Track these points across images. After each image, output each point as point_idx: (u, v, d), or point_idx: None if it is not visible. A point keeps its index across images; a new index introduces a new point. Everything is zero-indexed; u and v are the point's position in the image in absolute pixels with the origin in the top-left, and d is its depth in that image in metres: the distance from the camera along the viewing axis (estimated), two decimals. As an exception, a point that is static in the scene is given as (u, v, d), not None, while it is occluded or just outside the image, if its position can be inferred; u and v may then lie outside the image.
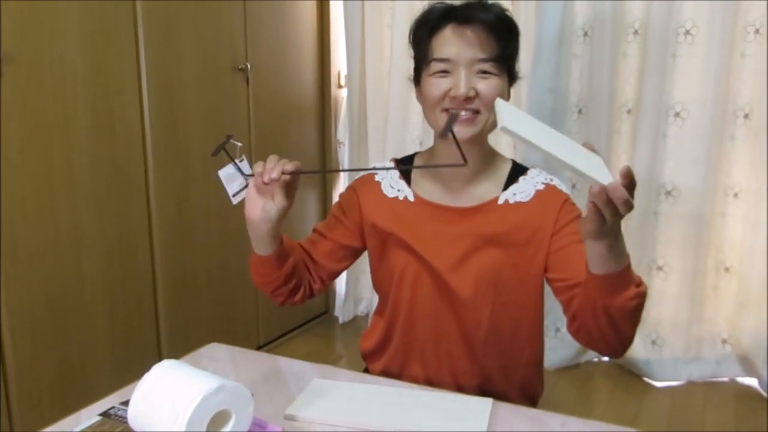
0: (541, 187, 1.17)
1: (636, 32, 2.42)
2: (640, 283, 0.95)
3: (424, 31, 1.13)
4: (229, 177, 1.09)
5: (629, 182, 0.81)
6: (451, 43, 1.09)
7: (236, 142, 1.08)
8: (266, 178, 1.00)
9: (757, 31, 2.28)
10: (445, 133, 1.05)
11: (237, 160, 1.08)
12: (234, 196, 1.10)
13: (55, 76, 1.80)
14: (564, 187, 1.19)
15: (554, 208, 1.14)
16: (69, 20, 1.82)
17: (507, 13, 1.13)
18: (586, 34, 2.48)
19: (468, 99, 1.08)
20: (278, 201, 1.05)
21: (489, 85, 1.09)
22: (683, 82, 2.37)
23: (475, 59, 1.08)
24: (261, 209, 1.05)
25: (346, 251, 1.26)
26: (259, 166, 1.03)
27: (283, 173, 1.01)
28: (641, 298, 0.95)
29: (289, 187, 1.05)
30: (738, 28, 2.30)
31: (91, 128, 1.92)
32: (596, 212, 0.83)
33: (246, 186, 1.07)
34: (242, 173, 1.06)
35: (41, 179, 1.80)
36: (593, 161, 0.86)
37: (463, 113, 1.09)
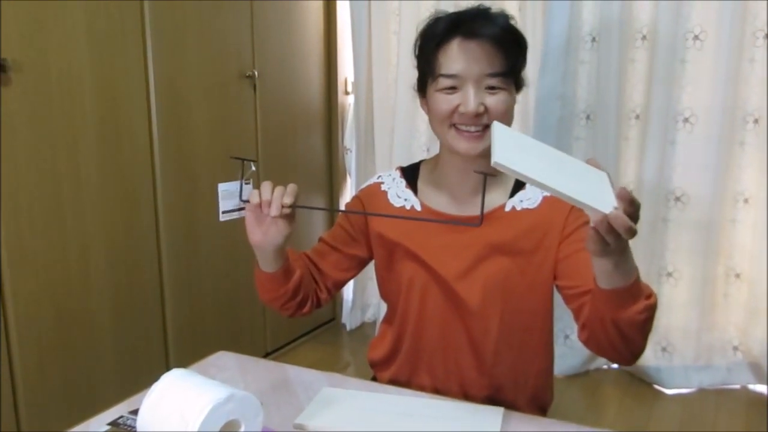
0: (548, 192, 1.16)
1: (644, 38, 2.41)
2: (650, 295, 0.93)
3: (430, 45, 1.11)
4: (228, 193, 1.07)
5: (629, 206, 0.79)
6: (458, 58, 1.08)
7: (253, 166, 1.06)
8: (265, 213, 1.00)
9: (766, 36, 2.27)
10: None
11: (244, 181, 1.05)
12: (224, 213, 1.07)
13: (62, 85, 1.81)
14: None
15: (562, 215, 1.13)
16: (76, 29, 1.83)
17: (513, 23, 1.12)
18: (593, 40, 2.47)
19: (477, 115, 1.08)
20: (281, 228, 1.03)
21: (498, 101, 1.08)
22: (692, 87, 2.36)
23: (483, 74, 1.07)
24: (263, 235, 1.04)
25: (353, 261, 1.26)
26: (255, 196, 1.01)
27: (282, 207, 0.98)
28: (651, 310, 0.93)
29: (291, 212, 1.02)
30: (746, 33, 2.29)
31: (98, 137, 1.92)
32: (599, 237, 0.81)
33: (240, 209, 1.05)
34: (241, 198, 1.04)
35: (48, 189, 1.80)
36: (597, 181, 0.84)
37: (472, 129, 1.09)
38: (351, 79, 3.00)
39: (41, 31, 1.74)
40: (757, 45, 2.29)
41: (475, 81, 1.07)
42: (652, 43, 2.39)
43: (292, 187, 1.01)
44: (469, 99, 1.07)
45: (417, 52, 1.16)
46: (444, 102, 1.10)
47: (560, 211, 1.14)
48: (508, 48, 1.09)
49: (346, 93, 3.07)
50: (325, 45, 2.93)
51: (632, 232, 0.79)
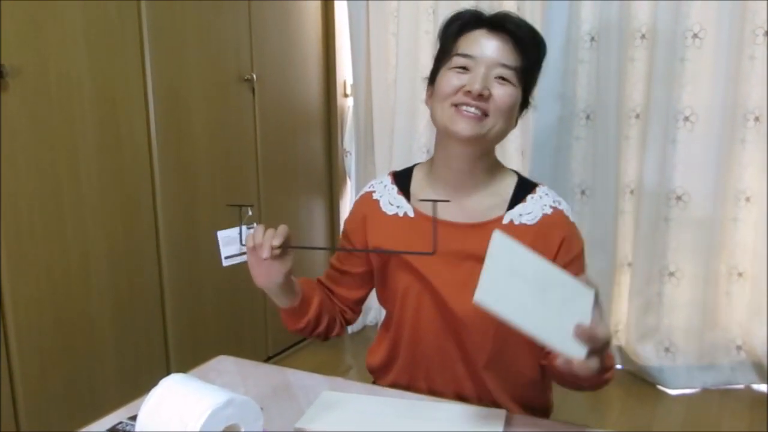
0: (549, 211, 1.14)
1: (643, 36, 2.40)
2: (610, 367, 1.02)
3: (453, 28, 1.13)
4: (228, 240, 1.10)
5: (594, 344, 0.86)
6: (478, 43, 1.09)
7: (249, 210, 1.09)
8: (260, 255, 1.03)
9: (766, 34, 2.26)
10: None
11: (246, 226, 1.09)
12: (226, 258, 1.11)
13: (61, 89, 1.80)
14: (570, 213, 1.16)
15: (554, 244, 1.12)
16: (74, 33, 1.82)
17: (538, 31, 1.13)
18: (592, 39, 2.46)
19: (480, 96, 1.06)
20: (278, 268, 1.06)
21: (504, 92, 1.08)
22: (692, 86, 2.35)
23: (498, 63, 1.08)
24: (266, 276, 1.07)
25: (364, 278, 1.26)
26: (249, 240, 1.04)
27: (273, 248, 1.02)
28: (611, 376, 1.03)
29: (283, 251, 1.05)
30: (746, 30, 2.28)
31: (97, 142, 1.92)
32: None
33: (242, 253, 1.09)
34: (241, 242, 1.08)
35: (48, 192, 1.79)
36: (578, 308, 0.90)
37: (471, 110, 1.07)
38: (350, 81, 3.00)
39: (39, 36, 1.74)
40: (757, 42, 2.28)
41: (487, 65, 1.08)
42: (652, 41, 2.38)
43: (281, 229, 1.04)
44: (477, 78, 1.07)
45: (440, 35, 1.16)
46: (451, 79, 1.09)
47: (554, 236, 1.12)
48: (528, 48, 1.10)
49: (345, 95, 3.06)
50: (323, 47, 2.93)
51: (594, 372, 0.87)
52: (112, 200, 1.98)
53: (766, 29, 2.26)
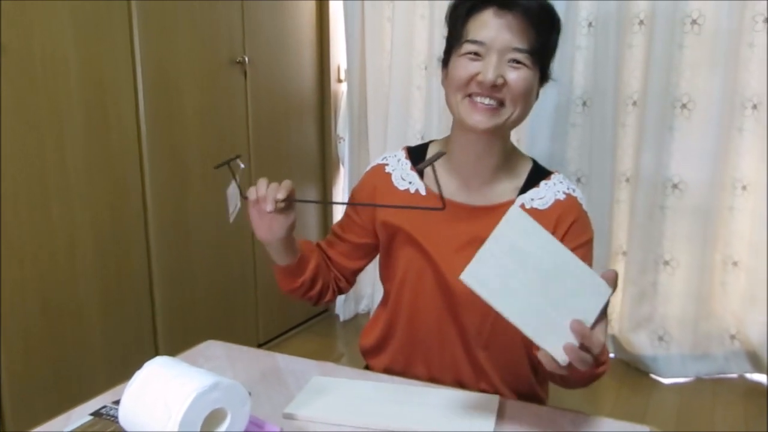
0: (562, 196, 1.12)
1: (641, 23, 2.38)
2: (604, 362, 0.95)
3: (461, 10, 1.08)
4: (231, 196, 1.10)
5: (589, 342, 0.81)
6: (488, 26, 1.04)
7: (240, 163, 1.08)
8: (263, 208, 1.01)
9: (765, 20, 2.24)
10: (423, 167, 0.99)
11: (237, 180, 1.08)
12: (231, 213, 1.11)
13: (47, 69, 1.76)
14: (584, 201, 1.14)
15: (562, 227, 1.10)
16: (60, 12, 1.78)
17: (551, 4, 1.08)
18: (590, 25, 2.44)
19: (495, 87, 1.03)
20: (282, 222, 1.05)
21: (519, 77, 1.04)
22: (690, 73, 2.33)
23: (510, 47, 1.03)
24: (268, 230, 1.06)
25: (364, 249, 1.24)
26: (252, 193, 1.03)
27: (276, 201, 1.00)
28: (605, 370, 0.96)
29: (287, 205, 1.04)
30: (746, 17, 2.26)
31: (84, 123, 1.88)
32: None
33: (238, 206, 1.08)
34: (242, 195, 1.07)
35: (34, 176, 1.75)
36: (583, 305, 0.83)
37: (486, 101, 1.04)
38: (344, 66, 2.96)
39: (23, 13, 1.69)
40: (756, 29, 2.25)
41: (499, 51, 1.03)
42: (650, 28, 2.35)
43: (285, 183, 1.02)
44: (489, 67, 1.02)
45: (447, 18, 1.11)
46: (463, 68, 1.05)
47: (565, 219, 1.10)
48: (541, 26, 1.05)
49: (339, 80, 3.03)
50: (317, 31, 2.89)
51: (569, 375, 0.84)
52: (100, 184, 1.94)
53: (765, 16, 2.23)
